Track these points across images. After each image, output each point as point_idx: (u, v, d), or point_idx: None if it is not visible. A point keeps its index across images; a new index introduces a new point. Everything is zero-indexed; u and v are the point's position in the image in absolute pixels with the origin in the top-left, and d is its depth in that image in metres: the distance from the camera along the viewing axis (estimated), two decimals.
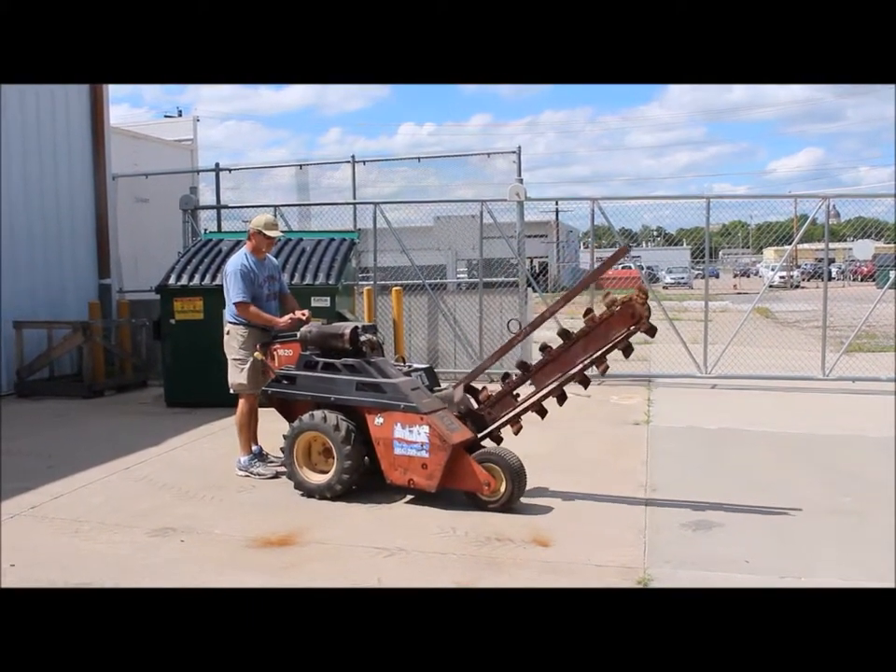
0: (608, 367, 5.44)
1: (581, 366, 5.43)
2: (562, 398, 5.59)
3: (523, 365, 5.66)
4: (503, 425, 5.76)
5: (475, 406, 5.77)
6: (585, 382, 5.55)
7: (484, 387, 5.92)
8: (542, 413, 5.73)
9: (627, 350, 5.33)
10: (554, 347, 5.55)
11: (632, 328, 5.22)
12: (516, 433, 5.75)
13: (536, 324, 5.79)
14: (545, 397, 5.61)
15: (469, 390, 5.88)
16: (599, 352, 5.36)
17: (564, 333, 5.50)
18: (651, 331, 5.26)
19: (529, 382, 5.64)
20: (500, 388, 5.73)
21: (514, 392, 5.70)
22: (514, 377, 5.69)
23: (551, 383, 5.51)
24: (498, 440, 5.87)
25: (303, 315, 6.51)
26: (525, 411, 5.68)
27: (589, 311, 5.47)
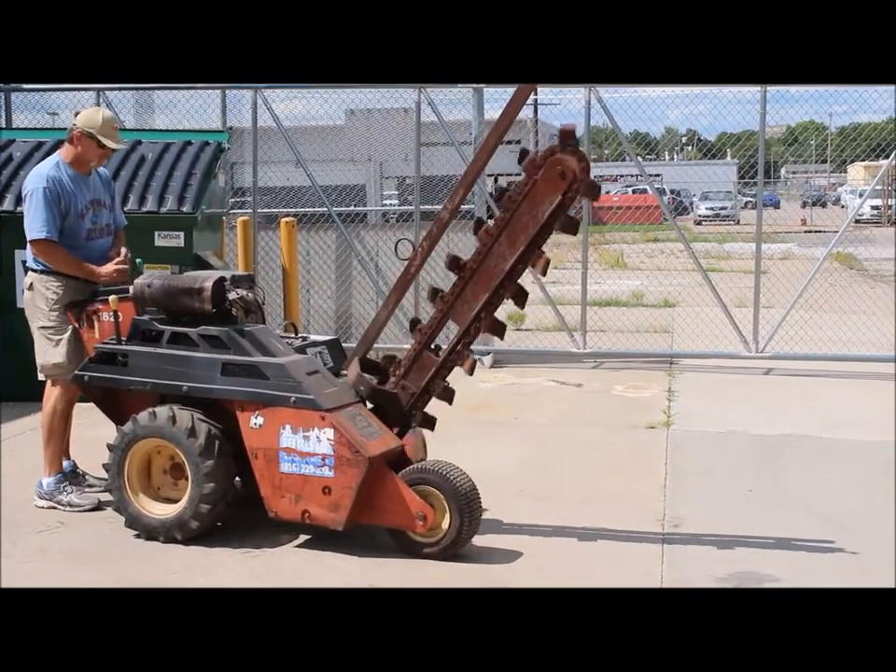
0: (548, 260, 5.65)
1: (512, 268, 5.57)
2: (497, 328, 5.77)
3: (434, 294, 5.79)
4: (427, 397, 5.83)
5: (381, 385, 5.85)
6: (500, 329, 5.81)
7: (390, 356, 6.03)
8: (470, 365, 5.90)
9: (569, 226, 5.53)
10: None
11: (567, 193, 5.40)
12: (449, 401, 5.86)
13: (435, 237, 5.82)
14: (474, 333, 5.73)
15: (368, 365, 5.96)
16: (529, 241, 5.52)
17: (478, 224, 5.68)
18: (593, 191, 5.48)
19: (450, 321, 5.79)
20: (412, 344, 5.81)
21: (433, 343, 5.81)
22: (426, 322, 5.82)
23: (478, 310, 5.63)
24: (430, 423, 5.96)
25: (118, 254, 6.56)
26: (451, 366, 5.80)
27: (502, 191, 5.65)
